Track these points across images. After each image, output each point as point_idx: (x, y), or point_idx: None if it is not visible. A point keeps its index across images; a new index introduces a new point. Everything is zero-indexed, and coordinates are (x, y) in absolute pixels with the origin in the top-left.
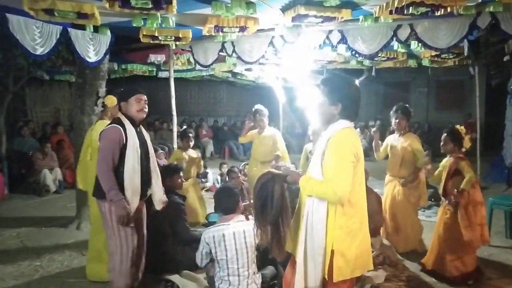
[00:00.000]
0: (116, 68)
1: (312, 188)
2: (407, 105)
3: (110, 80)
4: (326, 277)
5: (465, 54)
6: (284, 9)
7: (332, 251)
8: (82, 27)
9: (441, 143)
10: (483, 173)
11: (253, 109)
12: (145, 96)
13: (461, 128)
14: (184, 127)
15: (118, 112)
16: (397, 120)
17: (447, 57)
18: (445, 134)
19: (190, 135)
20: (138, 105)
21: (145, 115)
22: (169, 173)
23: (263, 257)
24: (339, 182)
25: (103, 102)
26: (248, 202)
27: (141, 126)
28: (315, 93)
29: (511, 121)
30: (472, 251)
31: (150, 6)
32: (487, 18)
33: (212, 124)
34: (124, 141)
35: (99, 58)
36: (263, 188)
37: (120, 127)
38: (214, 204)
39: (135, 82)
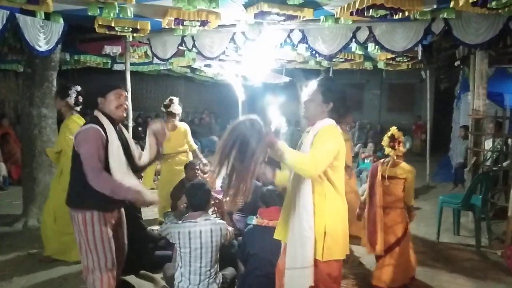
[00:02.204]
0: (68, 59)
1: (292, 156)
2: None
3: (61, 72)
4: (320, 258)
5: (419, 58)
6: (246, 5)
7: (325, 233)
8: (32, 13)
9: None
10: (431, 172)
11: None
12: (126, 92)
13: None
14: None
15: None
16: None
17: (401, 61)
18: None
19: None
20: (118, 101)
21: (125, 114)
22: None
23: (224, 258)
24: (321, 160)
25: None
26: (218, 201)
27: (120, 125)
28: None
29: (458, 124)
30: None
31: None
32: (440, 24)
33: None
34: (105, 142)
35: (50, 47)
36: (256, 127)
37: (98, 126)
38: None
39: (88, 74)
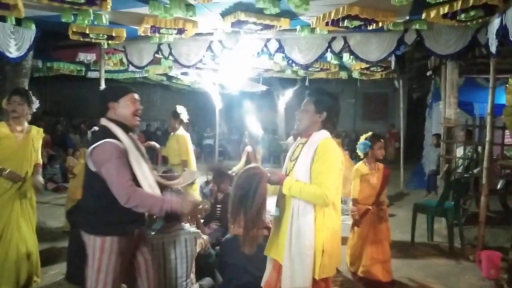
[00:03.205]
0: (40, 66)
1: (300, 190)
2: None
3: (33, 79)
4: (316, 276)
5: (392, 68)
6: (224, 14)
7: (323, 251)
8: (2, 19)
9: (381, 149)
10: (405, 180)
11: None
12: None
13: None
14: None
15: (10, 109)
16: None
17: (375, 70)
18: (382, 140)
19: None
20: (134, 105)
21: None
22: None
23: (201, 268)
24: (329, 186)
25: None
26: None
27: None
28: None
29: (430, 132)
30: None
31: (83, 1)
32: (413, 35)
33: (144, 128)
34: (126, 155)
35: (22, 54)
36: (249, 179)
37: (114, 140)
38: None
39: (61, 81)
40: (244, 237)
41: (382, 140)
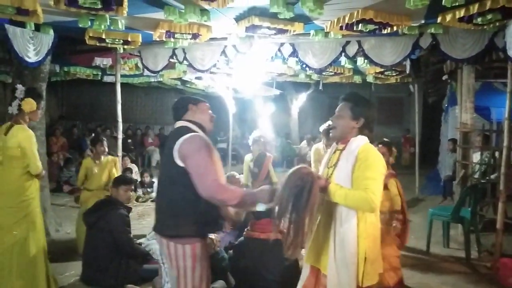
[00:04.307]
0: (57, 71)
1: (345, 196)
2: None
3: (51, 83)
4: (360, 284)
5: (407, 72)
6: (238, 19)
7: (365, 259)
8: (21, 24)
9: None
10: (420, 185)
11: None
12: None
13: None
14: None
15: (35, 117)
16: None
17: (390, 75)
18: (380, 145)
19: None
20: (210, 113)
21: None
22: (115, 183)
23: (214, 271)
24: (375, 191)
25: (20, 105)
26: None
27: None
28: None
29: (446, 137)
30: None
31: (99, 6)
32: (428, 38)
33: (158, 132)
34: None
35: (40, 59)
36: (302, 178)
37: (202, 134)
38: None
39: (77, 86)
40: (287, 240)
41: (380, 145)
